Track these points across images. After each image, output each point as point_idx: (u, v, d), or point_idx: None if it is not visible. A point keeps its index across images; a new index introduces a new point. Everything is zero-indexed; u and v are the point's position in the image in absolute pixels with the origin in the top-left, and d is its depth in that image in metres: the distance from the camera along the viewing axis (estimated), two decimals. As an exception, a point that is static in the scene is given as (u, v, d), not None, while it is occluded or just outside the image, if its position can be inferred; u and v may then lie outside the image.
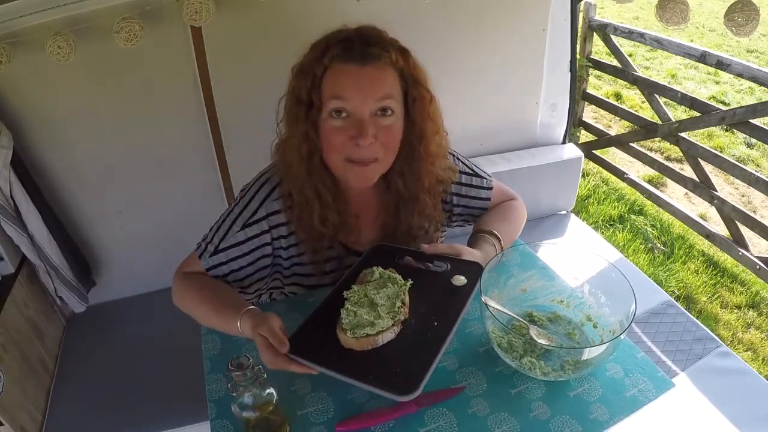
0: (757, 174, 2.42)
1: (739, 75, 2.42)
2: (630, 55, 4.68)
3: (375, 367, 0.80)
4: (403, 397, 0.75)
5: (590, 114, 4.08)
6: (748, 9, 1.25)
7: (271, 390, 0.77)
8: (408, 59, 0.96)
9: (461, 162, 1.18)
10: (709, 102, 2.66)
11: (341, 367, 0.80)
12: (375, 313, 0.85)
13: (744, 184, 2.53)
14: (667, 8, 1.33)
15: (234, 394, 0.76)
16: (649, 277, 2.25)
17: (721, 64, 2.46)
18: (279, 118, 1.02)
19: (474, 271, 0.96)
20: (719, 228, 2.79)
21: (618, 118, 3.85)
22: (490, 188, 1.20)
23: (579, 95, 3.41)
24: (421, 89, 0.97)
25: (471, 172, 1.18)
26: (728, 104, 4.45)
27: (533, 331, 0.90)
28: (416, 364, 0.79)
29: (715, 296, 2.61)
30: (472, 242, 1.11)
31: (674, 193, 3.38)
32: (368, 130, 0.91)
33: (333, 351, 0.83)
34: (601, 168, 3.50)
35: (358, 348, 0.83)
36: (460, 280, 0.94)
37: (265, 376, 0.76)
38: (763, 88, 2.89)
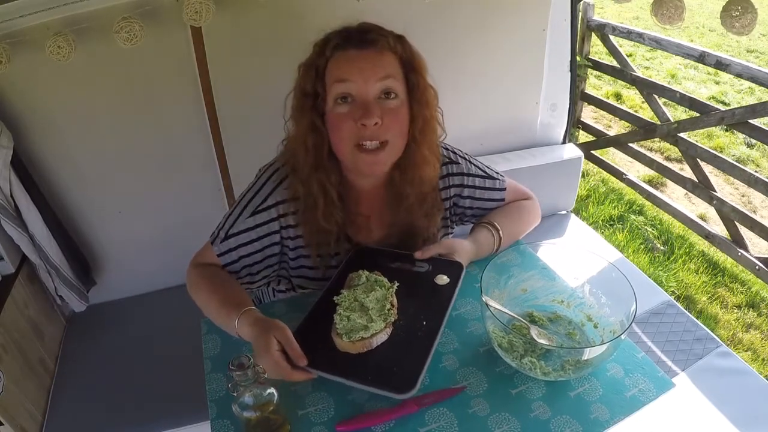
0: (757, 174, 2.42)
1: (739, 75, 2.42)
2: (630, 56, 4.68)
3: (372, 368, 0.83)
4: (402, 395, 0.77)
5: (590, 114, 4.08)
6: (744, 5, 1.25)
7: (272, 390, 0.77)
8: (405, 45, 0.99)
9: (474, 165, 1.19)
10: (708, 102, 2.66)
11: (341, 371, 0.82)
12: (367, 316, 0.88)
13: (744, 184, 2.53)
14: (663, 7, 1.34)
15: (235, 394, 0.76)
16: (649, 277, 2.25)
17: (720, 64, 2.46)
18: (287, 117, 1.03)
19: (455, 269, 1.00)
20: (719, 228, 2.80)
21: (618, 119, 3.85)
22: (503, 189, 1.21)
23: (577, 95, 3.41)
24: (418, 77, 0.99)
25: (484, 174, 1.19)
26: (728, 104, 4.45)
27: (534, 331, 0.90)
28: (411, 362, 0.82)
29: (715, 296, 2.61)
30: (470, 232, 1.15)
31: (674, 194, 3.38)
32: (373, 110, 0.92)
33: (330, 355, 0.85)
34: (600, 168, 3.50)
35: (353, 351, 0.85)
36: (442, 279, 0.98)
37: (265, 375, 0.77)
38: (762, 88, 2.89)
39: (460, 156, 1.18)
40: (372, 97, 0.93)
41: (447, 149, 1.17)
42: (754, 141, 3.82)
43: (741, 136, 3.90)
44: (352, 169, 1.03)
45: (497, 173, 1.22)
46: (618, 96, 4.68)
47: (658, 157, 3.39)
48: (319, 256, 1.08)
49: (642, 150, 3.15)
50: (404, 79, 0.98)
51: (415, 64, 0.99)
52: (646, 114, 3.44)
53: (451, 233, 1.26)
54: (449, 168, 1.15)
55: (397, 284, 0.95)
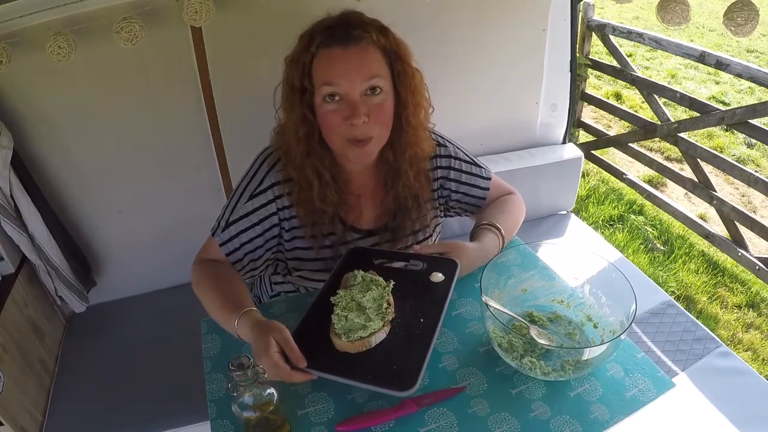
0: (757, 174, 2.42)
1: (738, 75, 2.42)
2: (630, 56, 4.69)
3: (372, 367, 0.83)
4: (403, 392, 0.77)
5: (590, 114, 4.08)
6: (747, 9, 1.25)
7: (272, 390, 0.77)
8: (389, 36, 1.01)
9: (461, 151, 1.22)
10: (708, 102, 2.65)
11: (340, 371, 0.82)
12: (365, 315, 0.88)
13: (744, 184, 2.53)
14: (668, 9, 1.33)
15: (234, 394, 0.76)
16: (649, 277, 2.25)
17: (720, 64, 2.46)
18: (277, 105, 1.06)
19: (450, 267, 1.00)
20: (719, 228, 2.79)
21: (618, 119, 3.85)
22: (489, 178, 1.24)
23: (577, 95, 3.41)
24: (404, 64, 1.01)
25: (470, 160, 1.22)
26: (728, 104, 4.45)
27: (534, 331, 0.90)
28: (411, 360, 0.82)
29: (715, 296, 2.61)
30: (473, 235, 1.14)
31: (674, 194, 3.38)
32: (360, 110, 0.96)
33: (329, 356, 0.86)
34: (600, 168, 3.50)
35: (352, 351, 0.86)
36: (437, 276, 0.99)
37: (265, 375, 0.77)
38: (762, 88, 2.89)
39: (447, 140, 1.21)
40: (358, 94, 0.97)
41: (434, 134, 1.20)
42: (754, 141, 3.82)
43: (741, 136, 3.90)
44: (341, 156, 1.07)
45: (483, 164, 1.25)
46: (618, 96, 4.68)
47: (658, 157, 3.39)
48: (313, 236, 1.10)
49: (642, 150, 3.15)
50: (389, 70, 1.00)
51: (399, 52, 1.01)
52: (646, 114, 3.44)
53: (441, 217, 1.27)
54: (437, 150, 1.18)
55: (393, 283, 0.96)
